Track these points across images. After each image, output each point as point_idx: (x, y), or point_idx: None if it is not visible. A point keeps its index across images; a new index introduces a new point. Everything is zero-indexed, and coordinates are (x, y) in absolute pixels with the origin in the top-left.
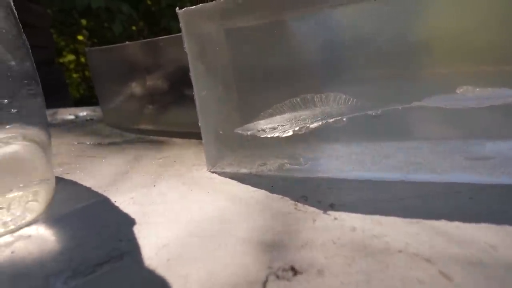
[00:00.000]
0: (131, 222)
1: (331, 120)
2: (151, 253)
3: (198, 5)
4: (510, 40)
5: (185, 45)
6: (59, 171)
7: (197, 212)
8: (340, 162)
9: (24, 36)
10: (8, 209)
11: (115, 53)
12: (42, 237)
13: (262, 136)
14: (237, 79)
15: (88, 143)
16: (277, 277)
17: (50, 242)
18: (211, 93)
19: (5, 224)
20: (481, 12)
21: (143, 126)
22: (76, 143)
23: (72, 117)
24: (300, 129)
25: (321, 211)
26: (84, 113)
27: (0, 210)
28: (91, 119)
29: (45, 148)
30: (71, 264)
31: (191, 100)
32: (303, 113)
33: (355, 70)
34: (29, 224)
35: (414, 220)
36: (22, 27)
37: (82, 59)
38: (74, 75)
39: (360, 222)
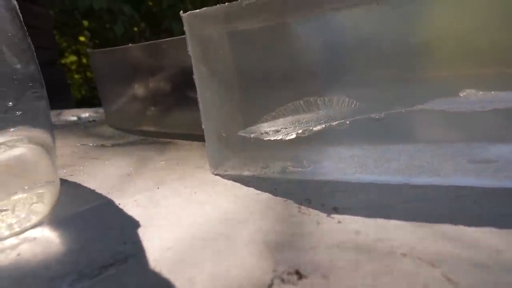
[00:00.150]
0: (135, 224)
1: (334, 123)
2: (155, 255)
3: (202, 9)
4: None
5: (189, 48)
6: (62, 173)
7: (200, 214)
8: (343, 165)
9: (29, 39)
10: (13, 211)
11: (118, 55)
12: (47, 239)
13: (265, 138)
14: (240, 81)
15: (91, 144)
16: (282, 280)
17: (55, 245)
18: (215, 95)
19: (10, 226)
20: (484, 15)
21: (145, 128)
22: (79, 144)
23: (74, 118)
24: (303, 132)
25: (325, 214)
26: (87, 115)
27: (5, 213)
28: (94, 121)
29: (49, 150)
30: (76, 267)
31: (193, 102)
32: (306, 116)
33: (358, 73)
34: (34, 226)
35: (418, 224)
36: None
37: (84, 60)
38: (76, 76)
39: (364, 226)
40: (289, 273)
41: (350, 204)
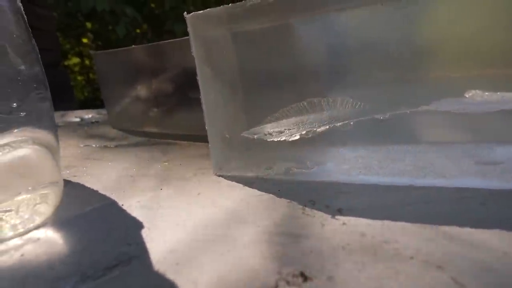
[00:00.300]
0: (139, 225)
1: (338, 124)
2: (159, 257)
3: (205, 10)
4: None
5: (193, 49)
6: (66, 174)
7: (204, 216)
8: (347, 166)
9: (33, 41)
10: (17, 212)
11: (121, 56)
12: (51, 240)
13: (268, 139)
14: (244, 82)
15: (94, 145)
16: (287, 283)
17: (59, 245)
18: (218, 96)
19: (14, 227)
20: (489, 15)
21: (148, 129)
22: (82, 145)
23: (77, 119)
24: (307, 133)
25: (329, 216)
26: (90, 116)
27: (8, 213)
28: (97, 122)
29: (53, 151)
30: (80, 268)
31: (196, 103)
32: (310, 117)
33: (362, 74)
34: (37, 227)
35: (424, 226)
36: None
37: (87, 62)
38: (79, 78)
39: (370, 227)
40: (294, 275)
41: (354, 205)
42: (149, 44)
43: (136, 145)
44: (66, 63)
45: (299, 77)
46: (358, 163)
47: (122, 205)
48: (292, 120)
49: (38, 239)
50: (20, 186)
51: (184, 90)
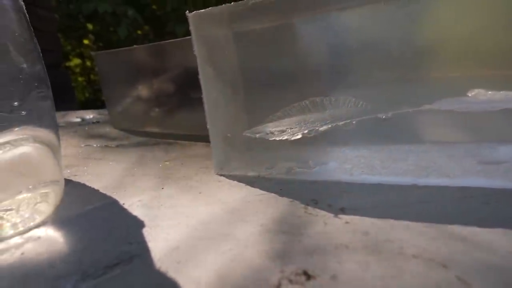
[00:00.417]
0: (140, 224)
1: (341, 123)
2: (161, 255)
3: (207, 9)
4: None
5: (195, 48)
6: (67, 173)
7: (205, 214)
8: (349, 165)
9: (35, 40)
10: (18, 210)
11: (123, 56)
12: (52, 239)
13: (270, 139)
14: (246, 81)
15: (95, 145)
16: (290, 281)
17: (59, 244)
18: (220, 96)
19: (14, 225)
20: (492, 15)
21: (149, 129)
22: (83, 145)
23: (78, 119)
24: (309, 132)
25: (332, 215)
26: (91, 116)
27: (9, 212)
28: (98, 122)
29: (54, 150)
30: (80, 267)
31: (197, 103)
32: (312, 116)
33: (364, 73)
34: (38, 225)
35: (428, 225)
36: None
37: (88, 63)
38: (80, 79)
39: (373, 226)
40: (297, 274)
41: (357, 204)
42: (150, 44)
43: (137, 145)
44: (67, 64)
45: (301, 77)
46: (361, 163)
47: (123, 204)
48: (294, 119)
49: (39, 237)
50: (20, 185)
51: (186, 90)
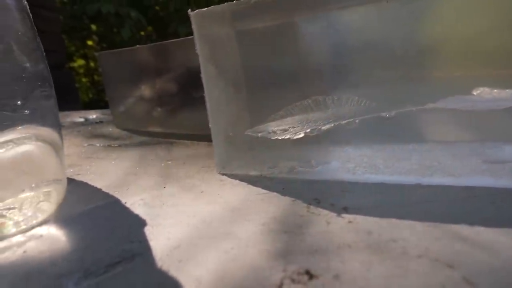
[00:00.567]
0: (142, 223)
1: (343, 122)
2: (162, 254)
3: (209, 7)
4: None
5: (197, 47)
6: (69, 172)
7: (207, 213)
8: (352, 165)
9: (38, 39)
10: (20, 209)
11: (126, 56)
12: (54, 237)
13: (273, 138)
14: (248, 80)
15: (98, 145)
16: (293, 281)
17: (62, 242)
18: (222, 94)
19: (17, 224)
20: (496, 14)
21: (152, 129)
22: (86, 145)
23: (82, 119)
24: (311, 131)
25: (335, 214)
26: (94, 116)
27: (12, 210)
28: (101, 122)
29: (57, 149)
30: (82, 265)
31: (200, 102)
32: (315, 115)
33: (366, 72)
34: (40, 224)
35: (433, 224)
36: None
37: (92, 64)
38: (84, 80)
39: (376, 226)
40: (299, 273)
41: (360, 204)
42: (153, 44)
43: (139, 144)
44: (71, 65)
45: (303, 76)
46: (364, 162)
47: (125, 203)
48: (297, 118)
49: (41, 236)
50: (23, 183)
51: (188, 90)
